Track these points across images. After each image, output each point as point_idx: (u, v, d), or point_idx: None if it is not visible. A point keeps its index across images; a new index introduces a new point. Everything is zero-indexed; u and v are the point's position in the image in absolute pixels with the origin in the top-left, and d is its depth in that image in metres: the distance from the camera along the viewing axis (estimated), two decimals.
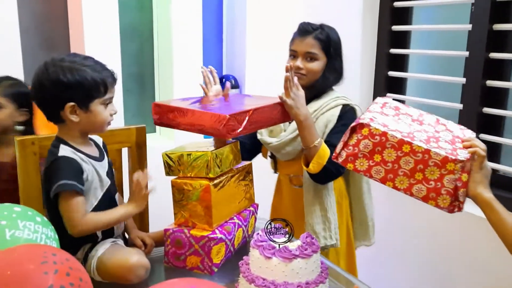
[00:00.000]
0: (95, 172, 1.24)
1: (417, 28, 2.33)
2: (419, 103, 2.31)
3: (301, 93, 1.47)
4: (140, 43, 2.49)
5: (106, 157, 1.33)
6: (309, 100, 1.60)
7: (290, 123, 1.64)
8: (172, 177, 1.32)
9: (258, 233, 1.15)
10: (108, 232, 1.29)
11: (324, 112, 1.60)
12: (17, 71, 2.01)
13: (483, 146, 1.06)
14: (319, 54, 1.60)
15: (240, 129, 1.28)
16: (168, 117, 1.36)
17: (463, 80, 2.02)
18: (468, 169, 1.02)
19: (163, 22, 2.40)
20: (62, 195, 1.16)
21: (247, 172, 1.44)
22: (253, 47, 2.57)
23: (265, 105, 1.39)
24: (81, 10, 2.08)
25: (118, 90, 1.54)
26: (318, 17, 2.67)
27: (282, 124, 1.67)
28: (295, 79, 1.46)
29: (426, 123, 1.12)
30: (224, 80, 2.64)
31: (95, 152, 1.29)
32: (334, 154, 1.15)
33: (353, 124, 1.10)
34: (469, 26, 1.97)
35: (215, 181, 1.27)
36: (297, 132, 1.54)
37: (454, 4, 2.15)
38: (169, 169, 1.32)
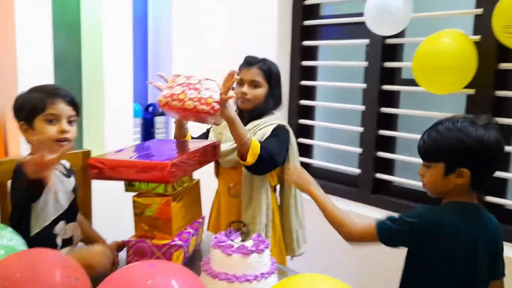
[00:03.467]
0: (61, 183, 1.39)
1: (323, 63, 2.73)
2: (327, 128, 2.69)
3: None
4: (68, 71, 2.55)
5: (72, 178, 1.47)
6: (249, 120, 1.88)
7: None
8: (132, 193, 1.46)
9: (216, 236, 1.35)
10: (68, 241, 1.41)
11: (261, 128, 1.86)
12: None
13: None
14: (262, 82, 1.87)
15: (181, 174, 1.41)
16: (109, 173, 1.37)
17: (363, 107, 2.42)
18: None
19: (92, 51, 2.50)
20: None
21: (197, 188, 1.63)
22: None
23: (201, 147, 1.56)
24: (15, 40, 2.12)
25: None
26: (239, 52, 2.97)
27: (229, 133, 1.86)
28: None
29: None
30: (151, 107, 2.78)
31: (61, 168, 1.45)
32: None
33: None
34: (365, 63, 2.40)
35: (174, 196, 1.44)
36: None
37: (353, 45, 2.58)
38: (129, 186, 1.46)
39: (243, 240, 1.32)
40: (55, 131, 1.35)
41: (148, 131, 2.76)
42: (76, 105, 1.42)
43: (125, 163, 1.37)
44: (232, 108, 1.64)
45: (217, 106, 1.52)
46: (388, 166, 2.42)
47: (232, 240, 1.31)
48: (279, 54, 2.69)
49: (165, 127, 2.75)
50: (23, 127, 1.37)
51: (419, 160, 2.23)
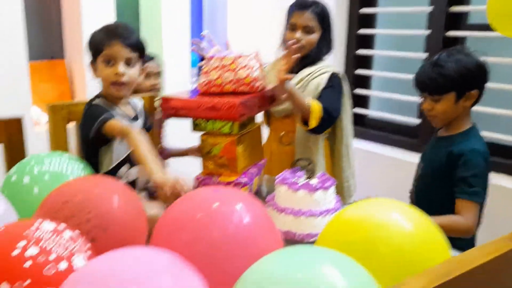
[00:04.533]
0: None
1: (383, 10, 2.63)
2: (384, 77, 2.62)
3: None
4: (128, 22, 2.61)
5: (140, 120, 1.47)
6: (302, 67, 1.82)
7: None
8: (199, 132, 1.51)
9: (281, 174, 1.38)
10: (131, 184, 1.43)
11: (315, 77, 1.80)
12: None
13: None
14: (316, 27, 1.79)
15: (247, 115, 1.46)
16: (179, 111, 1.46)
17: (425, 55, 2.34)
18: None
19: (151, 6, 2.54)
20: (105, 128, 1.30)
21: (258, 131, 1.66)
22: (234, 33, 2.76)
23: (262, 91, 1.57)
24: None
25: None
26: None
27: (272, 76, 1.81)
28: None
29: None
30: None
31: (129, 111, 1.45)
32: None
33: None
34: (429, 8, 2.29)
35: (239, 136, 1.48)
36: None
37: None
38: (196, 126, 1.50)
39: (308, 178, 1.34)
40: (110, 73, 1.33)
41: None
42: (136, 46, 1.37)
43: (196, 101, 1.43)
44: (290, 82, 1.58)
45: (256, 84, 1.48)
46: None
47: (297, 178, 1.34)
48: (336, 0, 2.61)
49: None
50: (92, 67, 1.39)
51: (481, 109, 2.15)
